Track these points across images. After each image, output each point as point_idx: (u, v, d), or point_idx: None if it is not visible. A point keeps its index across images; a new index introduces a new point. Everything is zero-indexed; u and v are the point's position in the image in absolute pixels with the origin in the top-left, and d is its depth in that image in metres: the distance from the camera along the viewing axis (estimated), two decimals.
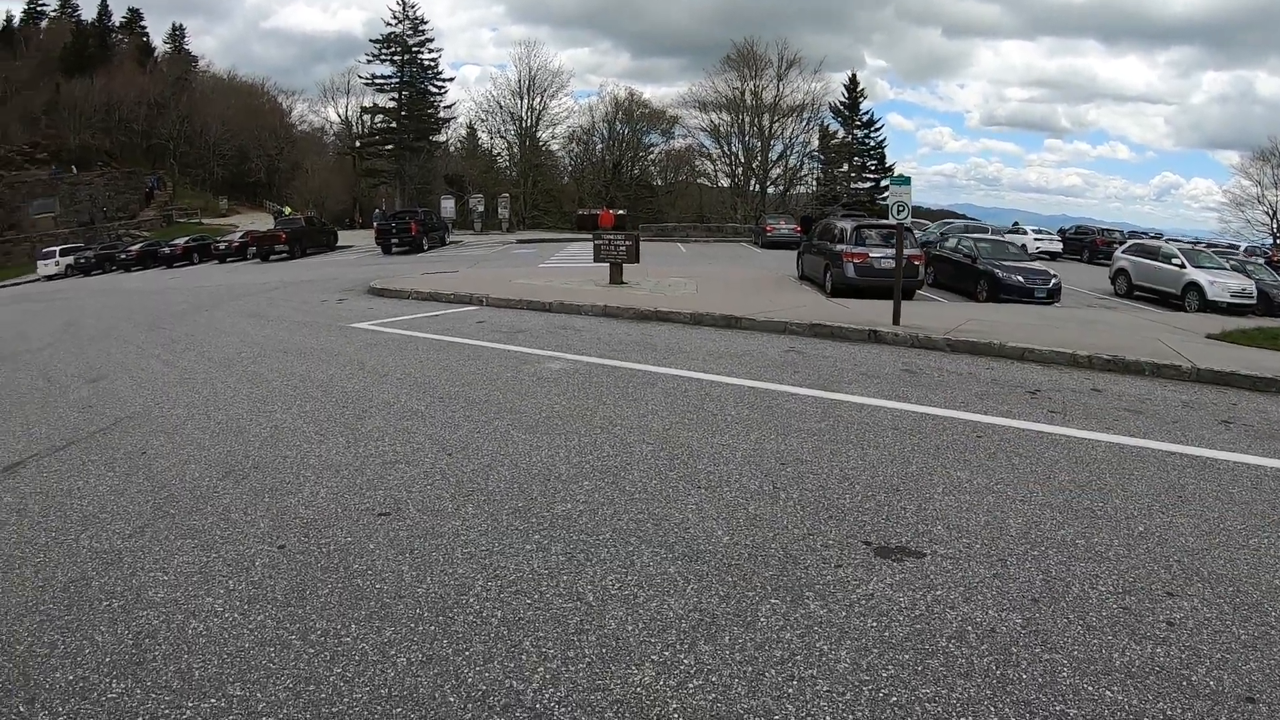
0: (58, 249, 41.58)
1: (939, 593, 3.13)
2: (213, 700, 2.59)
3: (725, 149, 59.20)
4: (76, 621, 3.14)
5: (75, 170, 57.26)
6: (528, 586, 3.18)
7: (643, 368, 6.87)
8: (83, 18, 77.43)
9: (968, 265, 17.50)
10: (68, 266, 38.81)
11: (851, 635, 2.82)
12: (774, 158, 58.58)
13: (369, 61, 62.30)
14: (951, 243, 19.96)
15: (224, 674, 2.72)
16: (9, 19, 77.53)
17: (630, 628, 2.86)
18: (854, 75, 60.81)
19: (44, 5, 78.61)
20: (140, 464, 5.03)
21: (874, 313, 10.29)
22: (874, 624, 2.90)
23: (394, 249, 29.42)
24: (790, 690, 2.51)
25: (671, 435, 5.05)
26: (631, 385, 6.28)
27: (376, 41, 61.77)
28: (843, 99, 59.65)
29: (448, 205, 41.58)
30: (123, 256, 37.70)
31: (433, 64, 63.68)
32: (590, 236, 16.39)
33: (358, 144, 66.32)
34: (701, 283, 13.68)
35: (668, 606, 3.00)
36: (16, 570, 3.67)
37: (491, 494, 4.16)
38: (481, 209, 43.88)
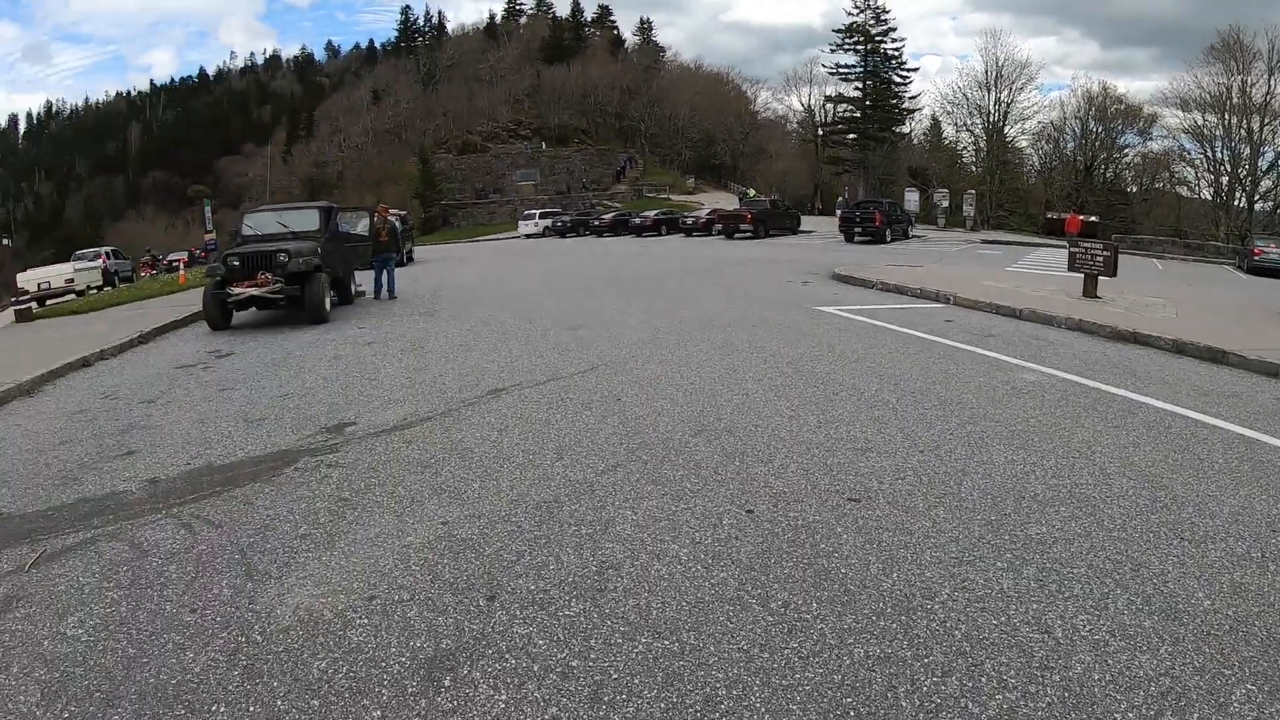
0: (537, 212, 47.33)
1: None
2: (666, 642, 2.69)
3: (1209, 154, 48.43)
4: (545, 539, 3.53)
5: (544, 145, 68.16)
6: (995, 606, 2.90)
7: (1121, 393, 5.90)
8: (557, 14, 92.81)
9: None
10: (545, 228, 44.22)
11: None
12: (1264, 167, 46.38)
13: (831, 51, 63.32)
14: None
15: (680, 619, 2.82)
16: (491, 16, 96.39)
17: (1095, 677, 2.52)
18: None
19: (521, 4, 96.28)
20: (615, 409, 5.56)
21: None
22: None
23: (856, 238, 29.42)
24: None
25: (1154, 475, 4.24)
26: (1110, 411, 5.44)
27: (839, 31, 62.46)
28: None
29: (911, 198, 40.23)
30: (596, 223, 41.37)
31: (896, 54, 62.49)
32: (1061, 242, 14.64)
33: (820, 132, 67.97)
34: (1180, 306, 11.42)
35: (1138, 664, 2.59)
36: (493, 480, 4.29)
37: (963, 501, 3.86)
38: (945, 204, 42.04)
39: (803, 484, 4.08)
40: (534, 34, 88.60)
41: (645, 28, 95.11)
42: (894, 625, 2.77)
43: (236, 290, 10.58)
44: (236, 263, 10.73)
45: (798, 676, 2.50)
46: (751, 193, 49.20)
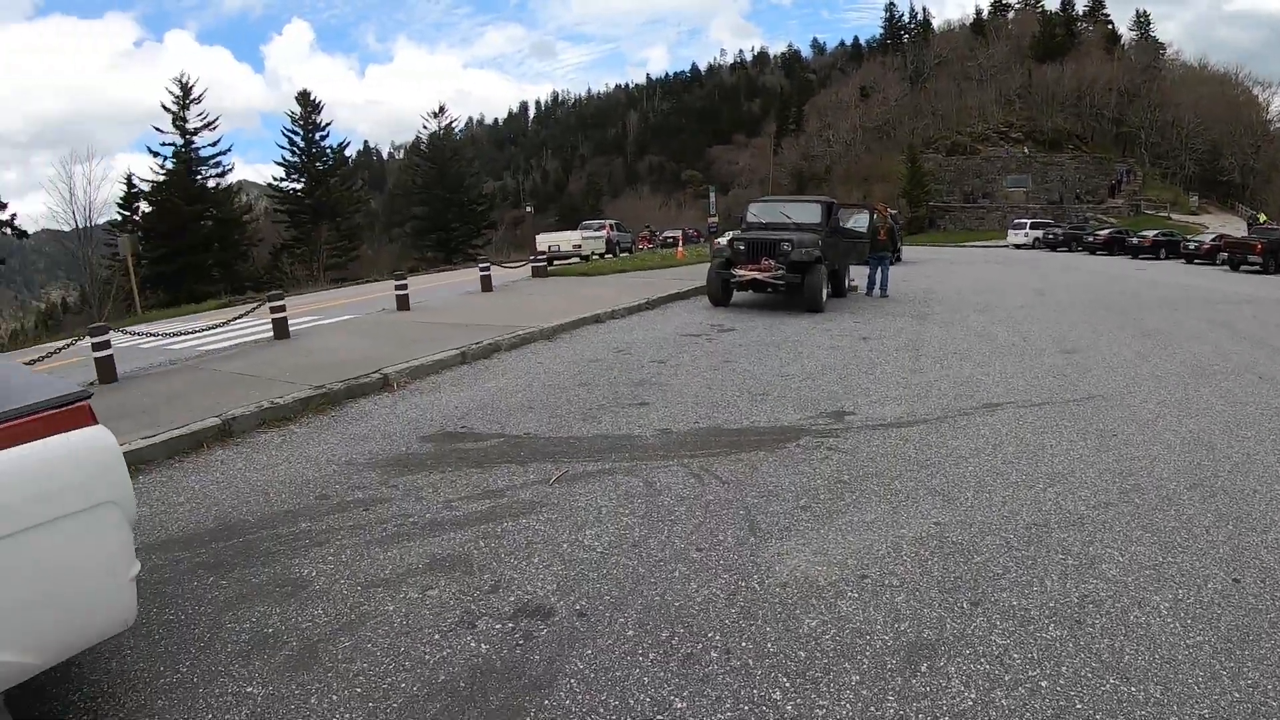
0: (1028, 222, 44.74)
1: None
2: (1133, 688, 2.58)
3: None
4: (1032, 560, 3.48)
5: (1033, 150, 61.80)
6: None
7: None
8: (1046, 7, 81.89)
9: None
10: (1035, 239, 41.68)
11: None
12: None
13: None
14: None
15: (1150, 671, 2.68)
16: (978, 12, 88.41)
17: None
18: None
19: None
20: (1110, 445, 5.18)
21: None
22: None
23: None
24: None
25: None
26: None
27: None
28: None
29: None
30: (1089, 239, 38.42)
31: None
32: None
33: None
34: None
35: None
36: (986, 493, 4.28)
37: None
38: None
39: None
40: (1023, 30, 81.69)
41: (1142, 22, 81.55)
42: None
43: (740, 272, 11.86)
44: (743, 247, 12.04)
45: None
46: (1261, 218, 40.76)
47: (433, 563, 3.55)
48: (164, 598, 3.36)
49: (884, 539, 3.70)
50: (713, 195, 18.17)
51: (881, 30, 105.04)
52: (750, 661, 2.76)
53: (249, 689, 2.68)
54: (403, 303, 12.83)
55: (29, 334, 38.99)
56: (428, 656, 2.84)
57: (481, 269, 15.89)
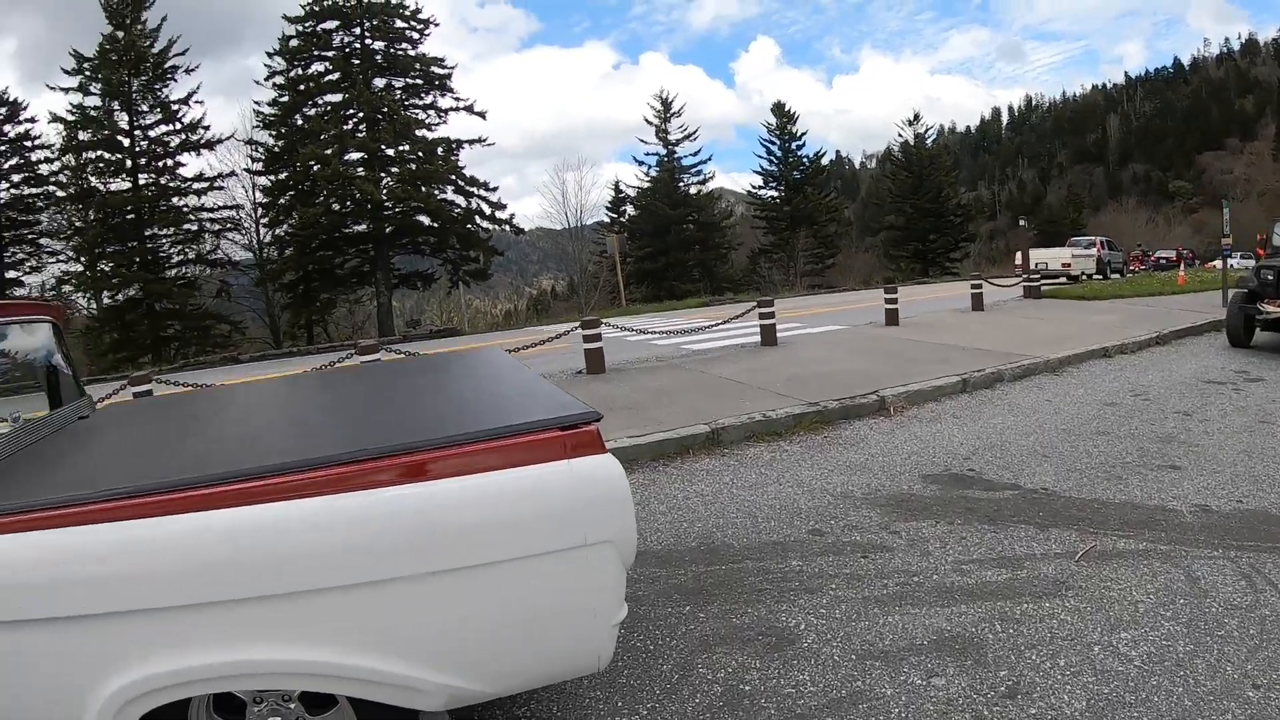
0: None
1: None
2: None
3: None
4: None
5: None
6: None
7: None
8: None
9: None
10: None
11: None
12: None
13: None
14: None
15: None
16: None
17: None
18: None
19: None
20: None
21: None
22: None
23: None
24: None
25: None
26: None
27: None
28: None
29: None
30: None
31: None
32: None
33: None
34: None
35: None
36: None
37: None
38: None
39: None
40: None
41: None
42: None
43: (1269, 308, 9.40)
44: (1271, 277, 9.49)
45: None
46: None
47: (940, 641, 3.03)
48: (634, 619, 3.24)
49: None
50: (1226, 211, 14.40)
51: None
52: None
53: None
54: (891, 317, 12.50)
55: (520, 315, 48.36)
56: None
57: (973, 285, 15.02)
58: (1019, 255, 25.92)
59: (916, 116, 54.16)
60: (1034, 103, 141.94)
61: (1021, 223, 59.29)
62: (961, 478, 5.02)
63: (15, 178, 31.71)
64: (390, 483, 1.98)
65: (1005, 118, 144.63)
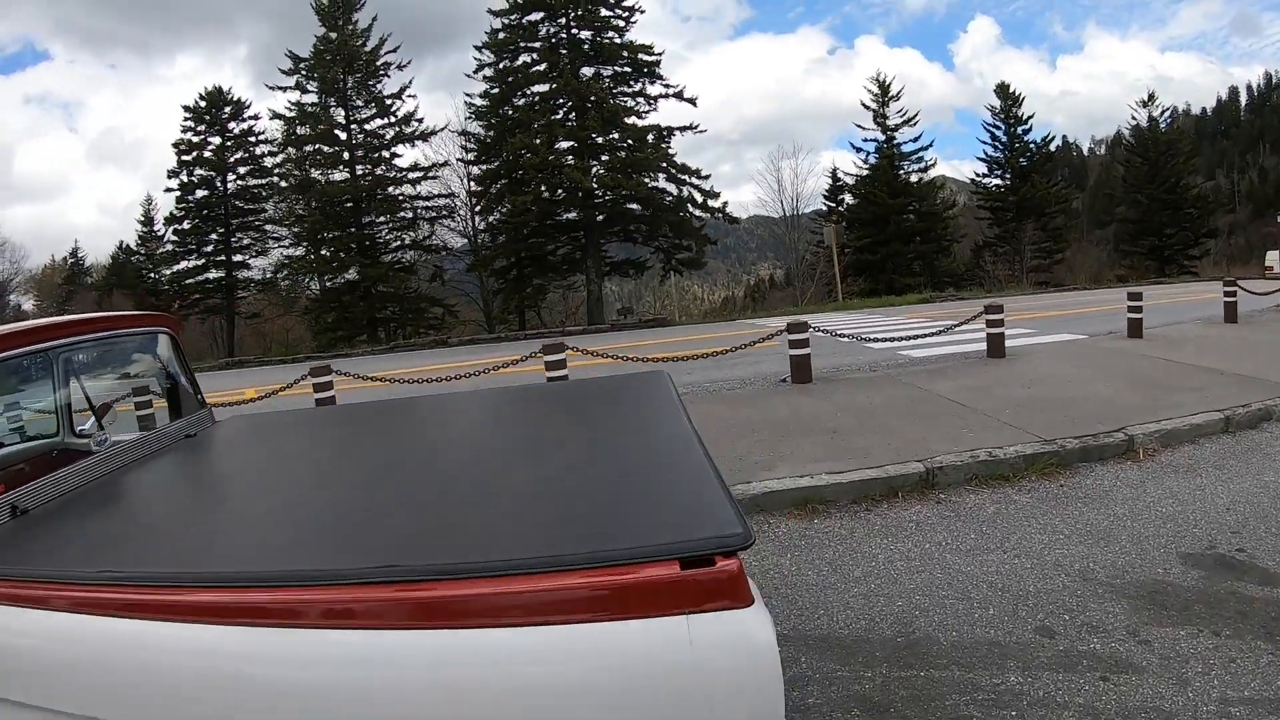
0: None
1: None
2: None
3: None
4: None
5: None
6: None
7: None
8: None
9: None
10: None
11: None
12: None
13: None
14: None
15: None
16: None
17: None
18: None
19: None
20: None
21: None
22: None
23: None
24: None
25: None
26: None
27: None
28: None
29: None
30: None
31: None
32: None
33: None
34: None
35: None
36: None
37: None
38: None
39: None
40: None
41: None
42: None
43: None
44: None
45: None
46: None
47: None
48: None
49: None
50: None
51: None
52: None
53: None
54: (1134, 328, 10.96)
55: (738, 303, 47.22)
56: None
57: (1226, 291, 12.77)
58: (1272, 255, 22.28)
59: (1151, 97, 47.91)
60: (1275, 80, 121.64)
61: None
62: (1229, 562, 3.92)
63: (242, 170, 36.47)
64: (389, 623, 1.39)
65: (1244, 98, 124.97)
